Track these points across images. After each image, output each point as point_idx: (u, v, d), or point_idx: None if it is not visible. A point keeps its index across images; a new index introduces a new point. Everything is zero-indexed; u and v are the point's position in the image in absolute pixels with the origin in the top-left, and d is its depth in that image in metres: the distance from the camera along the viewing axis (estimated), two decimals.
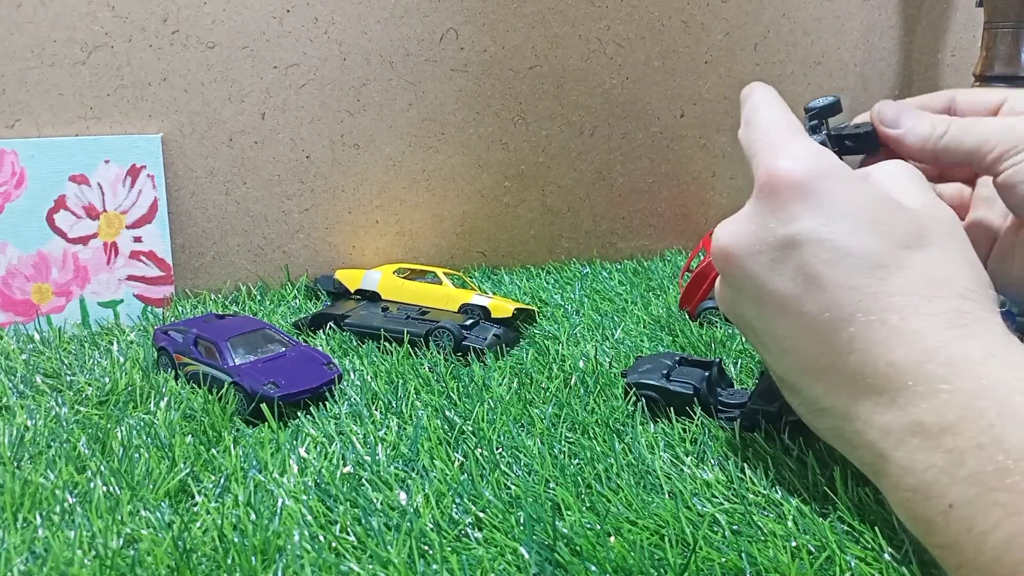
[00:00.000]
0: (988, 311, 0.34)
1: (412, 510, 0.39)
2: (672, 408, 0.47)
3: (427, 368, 0.56)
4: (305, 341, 0.63)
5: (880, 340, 0.33)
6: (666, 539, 0.36)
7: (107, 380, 0.54)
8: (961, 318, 0.33)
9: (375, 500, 0.40)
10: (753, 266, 0.37)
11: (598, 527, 0.37)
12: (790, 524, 0.37)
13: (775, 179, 0.37)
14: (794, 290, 0.36)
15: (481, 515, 0.38)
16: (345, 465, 0.43)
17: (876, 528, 0.35)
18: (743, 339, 0.60)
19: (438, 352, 0.59)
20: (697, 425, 0.46)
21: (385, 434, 0.47)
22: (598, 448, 0.45)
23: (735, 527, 0.37)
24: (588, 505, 0.39)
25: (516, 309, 0.65)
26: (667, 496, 0.40)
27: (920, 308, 0.33)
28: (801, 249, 0.36)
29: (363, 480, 0.42)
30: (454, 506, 0.39)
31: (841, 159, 0.39)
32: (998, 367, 0.31)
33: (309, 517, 0.38)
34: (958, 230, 0.37)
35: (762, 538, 0.36)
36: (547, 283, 0.79)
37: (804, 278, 0.36)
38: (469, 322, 0.62)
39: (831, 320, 0.35)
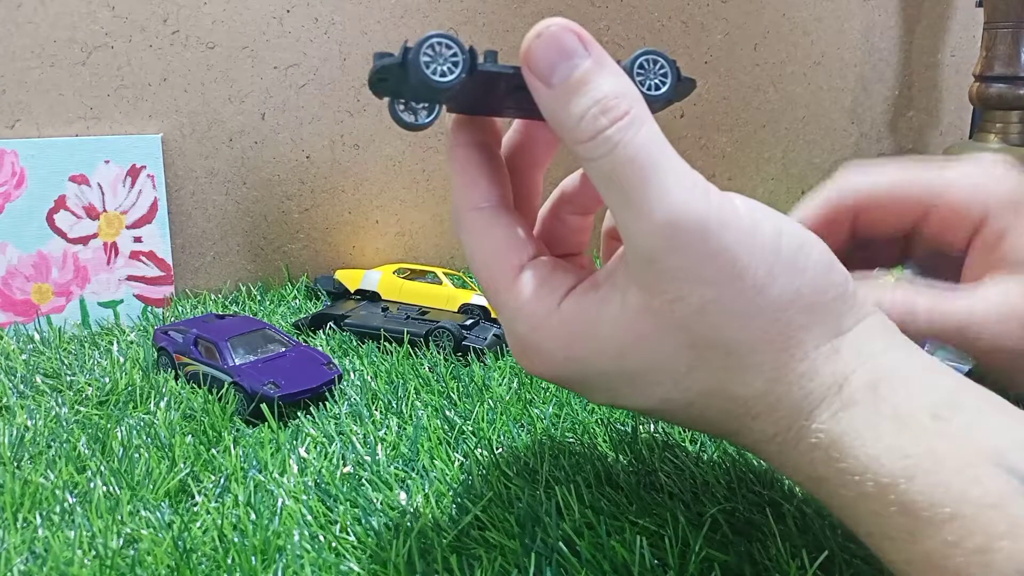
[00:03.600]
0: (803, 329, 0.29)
1: (412, 510, 0.39)
2: None
3: (427, 368, 0.56)
4: (305, 341, 0.63)
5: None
6: (666, 539, 0.36)
7: (107, 380, 0.54)
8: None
9: (375, 500, 0.40)
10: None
11: (598, 527, 0.37)
12: (790, 524, 0.37)
13: None
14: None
15: (481, 515, 0.38)
16: (345, 465, 0.43)
17: None
18: None
19: (438, 352, 0.59)
20: None
21: (385, 434, 0.47)
22: (598, 447, 0.45)
23: (735, 527, 0.37)
24: (588, 505, 0.39)
25: None
26: (667, 496, 0.40)
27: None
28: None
29: (363, 480, 0.42)
30: (454, 506, 0.39)
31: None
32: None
33: (309, 517, 0.38)
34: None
35: (762, 538, 0.36)
36: None
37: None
38: (469, 322, 0.62)
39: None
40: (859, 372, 0.28)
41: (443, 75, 0.28)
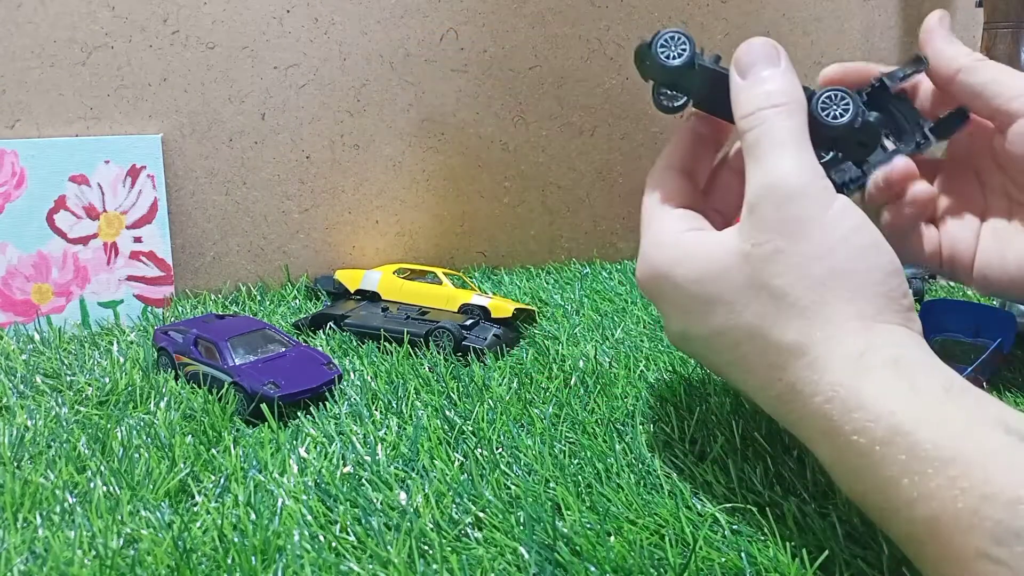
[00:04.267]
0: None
1: (412, 510, 0.39)
2: None
3: (427, 368, 0.56)
4: (305, 341, 0.63)
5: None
6: (666, 539, 0.36)
7: (107, 380, 0.54)
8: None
9: (375, 500, 0.40)
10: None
11: (598, 527, 0.37)
12: (790, 524, 0.37)
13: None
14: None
15: (481, 515, 0.38)
16: (345, 465, 0.43)
17: (876, 527, 0.35)
18: None
19: (438, 352, 0.59)
20: (697, 424, 0.46)
21: (385, 434, 0.47)
22: (598, 447, 0.45)
23: (735, 527, 0.37)
24: (588, 505, 0.39)
25: (516, 309, 0.65)
26: (667, 496, 0.40)
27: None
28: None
29: (363, 480, 0.42)
30: (454, 506, 0.39)
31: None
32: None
33: (309, 517, 0.38)
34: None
35: (762, 538, 0.36)
36: (547, 283, 0.79)
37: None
38: (469, 322, 0.62)
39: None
40: (882, 350, 0.32)
41: (671, 59, 0.39)
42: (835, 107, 0.39)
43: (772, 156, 0.36)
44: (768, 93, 0.37)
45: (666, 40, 0.39)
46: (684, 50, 0.39)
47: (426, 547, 0.36)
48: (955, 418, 0.29)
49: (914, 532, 0.28)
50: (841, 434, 0.31)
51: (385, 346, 0.61)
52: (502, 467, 0.43)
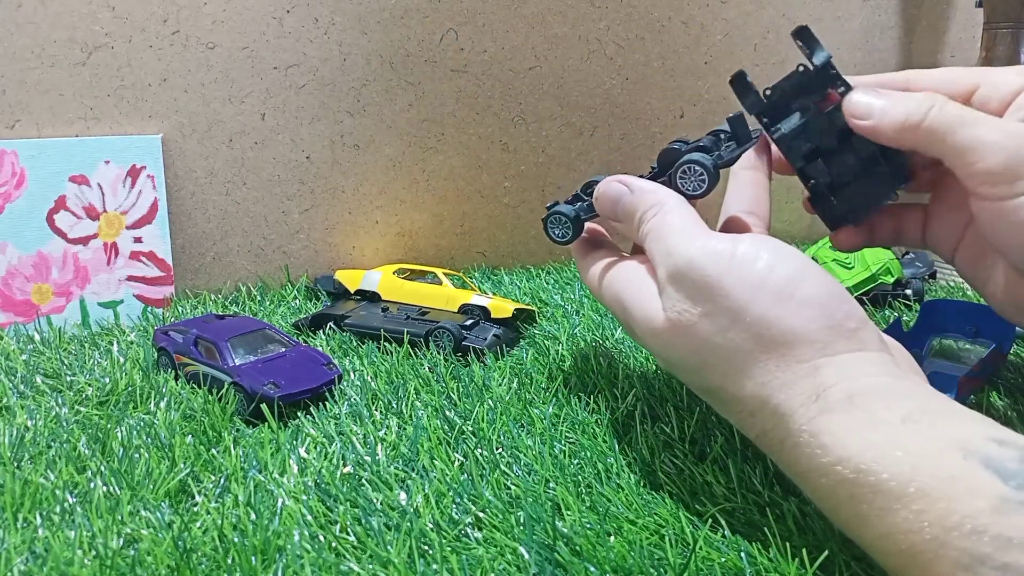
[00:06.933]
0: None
1: (412, 510, 0.39)
2: None
3: (427, 368, 0.56)
4: (305, 341, 0.63)
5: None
6: (666, 539, 0.36)
7: (107, 380, 0.54)
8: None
9: (375, 500, 0.40)
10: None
11: (598, 527, 0.37)
12: (790, 524, 0.37)
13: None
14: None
15: (481, 515, 0.38)
16: (345, 465, 0.43)
17: None
18: None
19: (438, 352, 0.59)
20: (697, 424, 0.46)
21: (385, 434, 0.47)
22: (598, 447, 0.45)
23: (735, 527, 0.37)
24: (588, 505, 0.39)
25: (516, 309, 0.65)
26: (667, 496, 0.40)
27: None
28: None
29: (363, 480, 0.42)
30: (454, 506, 0.39)
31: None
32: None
33: (309, 517, 0.38)
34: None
35: (762, 538, 0.36)
36: (547, 283, 0.79)
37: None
38: (469, 322, 0.62)
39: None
40: (838, 386, 0.32)
41: (560, 236, 0.47)
42: (689, 180, 0.42)
43: (659, 251, 0.38)
44: (641, 216, 0.40)
45: (552, 221, 0.47)
46: (568, 231, 0.46)
47: (426, 547, 0.36)
48: (915, 450, 0.29)
49: (892, 563, 0.29)
50: (812, 477, 0.32)
51: (385, 346, 0.61)
52: (502, 467, 0.43)
